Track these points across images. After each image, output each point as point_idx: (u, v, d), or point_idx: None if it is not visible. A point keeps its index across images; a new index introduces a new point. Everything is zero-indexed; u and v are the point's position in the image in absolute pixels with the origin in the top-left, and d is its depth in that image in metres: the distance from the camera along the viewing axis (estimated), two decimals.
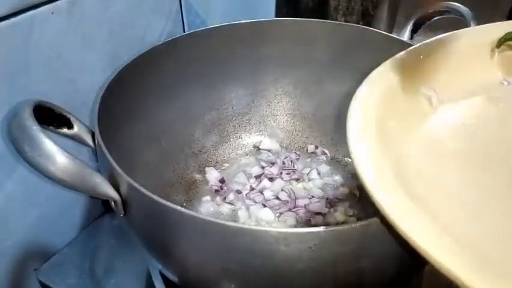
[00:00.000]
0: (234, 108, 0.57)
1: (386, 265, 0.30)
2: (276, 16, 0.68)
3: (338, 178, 0.53)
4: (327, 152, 0.57)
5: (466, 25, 0.44)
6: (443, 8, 0.46)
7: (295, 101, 0.58)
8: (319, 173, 0.54)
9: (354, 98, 0.32)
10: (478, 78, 0.35)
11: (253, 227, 0.27)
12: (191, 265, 0.32)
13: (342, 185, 0.53)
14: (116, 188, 0.32)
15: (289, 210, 0.49)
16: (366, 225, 0.27)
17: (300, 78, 0.56)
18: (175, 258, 0.32)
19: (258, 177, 0.53)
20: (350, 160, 0.55)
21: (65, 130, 0.37)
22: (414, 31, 0.48)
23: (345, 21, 0.68)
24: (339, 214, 0.49)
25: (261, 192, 0.51)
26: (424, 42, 0.37)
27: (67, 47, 0.42)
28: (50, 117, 0.36)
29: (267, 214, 0.48)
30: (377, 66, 0.49)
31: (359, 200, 0.51)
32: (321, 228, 0.27)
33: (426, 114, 0.33)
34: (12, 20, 0.37)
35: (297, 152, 0.57)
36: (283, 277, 0.29)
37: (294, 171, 0.54)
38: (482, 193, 0.26)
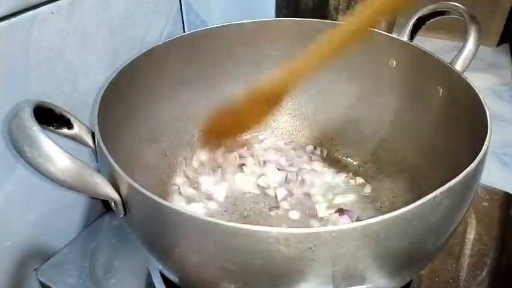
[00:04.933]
0: None
1: (386, 265, 0.30)
2: (276, 16, 0.68)
3: (337, 178, 0.53)
4: (327, 152, 0.57)
5: (466, 25, 0.44)
6: (443, 8, 0.46)
7: (295, 101, 0.58)
8: (318, 173, 0.54)
9: None
10: None
11: (253, 227, 0.27)
12: (191, 265, 0.32)
13: (342, 185, 0.53)
14: (116, 188, 0.32)
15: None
16: (366, 225, 0.27)
17: None
18: (175, 258, 0.32)
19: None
20: (350, 160, 0.55)
21: (65, 130, 0.37)
22: (414, 31, 0.48)
23: None
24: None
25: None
26: None
27: (67, 47, 0.42)
28: (50, 117, 0.36)
29: None
30: (377, 66, 0.49)
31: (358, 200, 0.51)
32: (321, 229, 0.27)
33: None
34: (12, 20, 0.37)
35: (297, 152, 0.57)
36: (283, 277, 0.29)
37: (294, 171, 0.54)
38: None
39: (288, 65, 0.41)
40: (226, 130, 0.48)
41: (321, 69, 0.39)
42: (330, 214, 0.48)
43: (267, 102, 0.44)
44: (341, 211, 0.48)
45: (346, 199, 0.51)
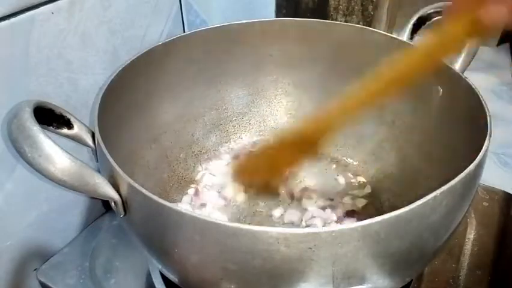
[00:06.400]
0: (234, 108, 0.57)
1: (386, 265, 0.30)
2: (276, 16, 0.67)
3: (338, 178, 0.53)
4: (327, 152, 0.57)
5: None
6: (443, 8, 0.46)
7: (295, 101, 0.58)
8: (319, 173, 0.54)
9: None
10: None
11: (253, 227, 0.27)
12: (191, 265, 0.32)
13: (342, 185, 0.53)
14: (116, 189, 0.32)
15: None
16: (366, 225, 0.27)
17: (300, 78, 0.56)
18: (175, 258, 0.32)
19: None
20: (350, 160, 0.55)
21: (65, 130, 0.37)
22: (414, 31, 0.48)
23: (345, 21, 0.68)
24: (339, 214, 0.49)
25: None
26: None
27: (67, 47, 0.42)
28: (50, 117, 0.36)
29: None
30: (376, 66, 0.49)
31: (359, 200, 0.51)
32: (321, 229, 0.27)
33: None
34: (12, 20, 0.37)
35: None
36: (283, 277, 0.29)
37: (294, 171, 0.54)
38: None
39: (326, 107, 0.40)
40: (257, 171, 0.48)
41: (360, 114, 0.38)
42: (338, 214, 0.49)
43: (301, 146, 0.42)
44: (351, 213, 0.48)
45: (346, 199, 0.51)
